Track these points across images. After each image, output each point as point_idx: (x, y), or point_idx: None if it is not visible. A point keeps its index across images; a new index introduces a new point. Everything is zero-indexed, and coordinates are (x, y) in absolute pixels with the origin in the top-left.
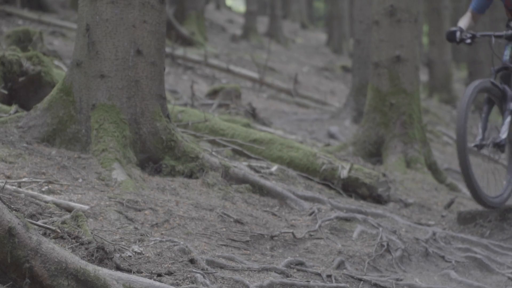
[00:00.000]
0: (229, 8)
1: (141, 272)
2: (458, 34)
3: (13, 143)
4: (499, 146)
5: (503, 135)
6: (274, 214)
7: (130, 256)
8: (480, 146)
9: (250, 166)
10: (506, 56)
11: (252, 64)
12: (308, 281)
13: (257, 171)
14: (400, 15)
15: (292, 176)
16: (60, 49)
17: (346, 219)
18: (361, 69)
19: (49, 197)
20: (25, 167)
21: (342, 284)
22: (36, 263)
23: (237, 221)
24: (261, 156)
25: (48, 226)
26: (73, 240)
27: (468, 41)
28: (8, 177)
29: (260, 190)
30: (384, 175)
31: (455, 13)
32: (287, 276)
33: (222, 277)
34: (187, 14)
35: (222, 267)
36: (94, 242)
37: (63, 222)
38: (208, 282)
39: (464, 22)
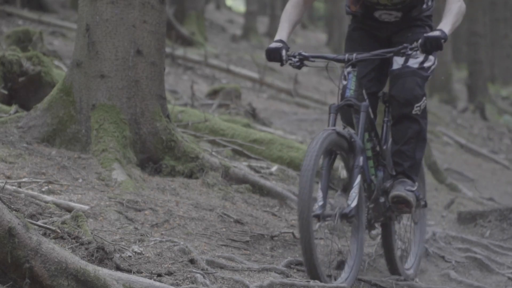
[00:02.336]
0: (229, 8)
1: (141, 272)
2: (283, 53)
3: (13, 143)
4: (347, 217)
5: (353, 203)
6: (274, 214)
7: (130, 256)
8: (321, 217)
9: (250, 166)
10: (349, 89)
11: (252, 64)
12: (308, 281)
13: (257, 171)
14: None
15: (292, 176)
16: (60, 49)
17: None
18: None
19: (49, 197)
20: (25, 167)
21: (342, 284)
22: (36, 263)
23: (237, 221)
24: (261, 156)
25: (48, 226)
26: (73, 240)
27: (297, 63)
28: (8, 177)
29: (260, 190)
30: None
31: None
32: (287, 276)
33: (222, 277)
34: (187, 14)
35: (222, 267)
36: (94, 242)
37: (63, 222)
38: (208, 282)
39: (285, 28)
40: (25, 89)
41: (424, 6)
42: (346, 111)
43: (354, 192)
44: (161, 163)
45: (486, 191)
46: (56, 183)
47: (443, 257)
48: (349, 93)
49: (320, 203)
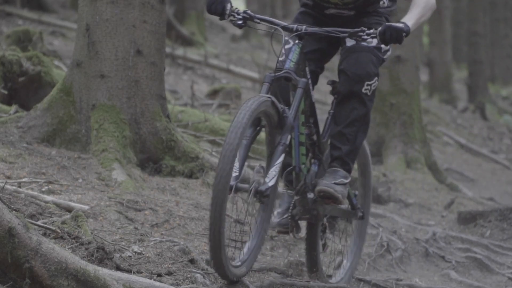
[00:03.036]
0: None
1: (141, 272)
2: (228, 6)
3: (13, 143)
4: (261, 195)
5: (271, 181)
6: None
7: (130, 256)
8: (234, 189)
9: (250, 166)
10: (290, 61)
11: (252, 64)
12: (308, 281)
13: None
14: (400, 15)
15: None
16: (60, 49)
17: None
18: None
19: (49, 197)
20: (25, 167)
21: (342, 284)
22: (36, 263)
23: (237, 221)
24: (261, 156)
25: (48, 226)
26: (73, 240)
27: (239, 22)
28: (8, 177)
29: None
30: (384, 175)
31: (455, 13)
32: (287, 276)
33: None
34: (187, 14)
35: None
36: (94, 242)
37: (63, 222)
38: (208, 282)
39: None
40: (25, 89)
41: (381, 3)
42: (282, 85)
43: (275, 171)
44: (161, 163)
45: (486, 191)
46: (56, 183)
47: (443, 257)
48: (289, 64)
49: (235, 174)
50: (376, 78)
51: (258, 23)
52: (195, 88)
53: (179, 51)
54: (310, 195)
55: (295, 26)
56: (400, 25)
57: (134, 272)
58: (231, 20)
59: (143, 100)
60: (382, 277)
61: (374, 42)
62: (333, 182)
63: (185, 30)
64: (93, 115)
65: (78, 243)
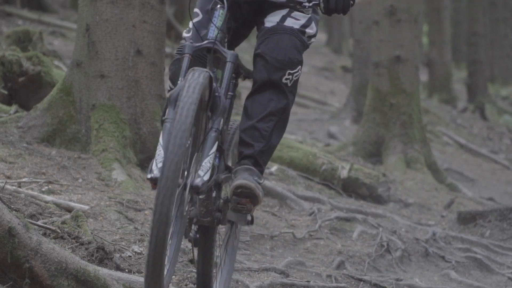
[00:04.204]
0: None
1: (141, 272)
2: None
3: (13, 143)
4: (197, 191)
5: (206, 175)
6: (274, 214)
7: (130, 256)
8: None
9: None
10: (215, 28)
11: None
12: (308, 281)
13: None
14: (400, 15)
15: (292, 176)
16: (60, 49)
17: (346, 219)
18: (361, 69)
19: (49, 197)
20: (25, 167)
21: (342, 284)
22: (36, 263)
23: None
24: None
25: (48, 226)
26: (73, 240)
27: None
28: (8, 177)
29: None
30: (384, 175)
31: (455, 13)
32: (287, 276)
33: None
34: (187, 14)
35: None
36: (94, 242)
37: (63, 222)
38: None
39: None
40: (25, 89)
41: None
42: (202, 58)
43: (209, 162)
44: None
45: (486, 191)
46: (56, 183)
47: (443, 257)
48: (214, 33)
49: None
50: (299, 67)
51: None
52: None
53: None
54: (213, 193)
55: None
56: None
57: (134, 272)
58: None
59: (143, 100)
60: (382, 277)
61: (300, 22)
62: (253, 178)
63: None
64: (93, 115)
65: (78, 243)
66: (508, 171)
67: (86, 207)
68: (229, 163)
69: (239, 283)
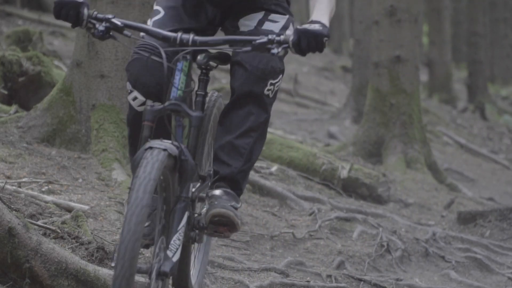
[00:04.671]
0: None
1: (141, 272)
2: (84, 11)
3: (13, 143)
4: (165, 276)
5: (175, 255)
6: (274, 214)
7: None
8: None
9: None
10: (178, 88)
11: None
12: (308, 281)
13: (257, 171)
14: (400, 15)
15: (292, 176)
16: (60, 49)
17: (346, 219)
18: (361, 69)
19: (49, 197)
20: (25, 167)
21: (342, 284)
22: (36, 263)
23: None
24: (261, 156)
25: (48, 226)
26: (73, 240)
27: (101, 33)
28: (8, 177)
29: (260, 190)
30: (384, 175)
31: (455, 13)
32: (287, 276)
33: (222, 277)
34: None
35: (222, 267)
36: (94, 242)
37: (63, 222)
38: (208, 282)
39: None
40: (25, 89)
41: None
42: (163, 121)
43: (178, 238)
44: None
45: (486, 191)
46: (56, 183)
47: (443, 257)
48: (177, 93)
49: (147, 237)
50: (281, 76)
51: (128, 36)
52: (195, 88)
53: None
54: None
55: (178, 36)
56: (317, 27)
57: None
58: (88, 29)
59: None
60: (382, 277)
61: (280, 25)
62: (230, 204)
63: None
64: (93, 115)
65: (78, 243)
66: (508, 171)
67: (86, 207)
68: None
69: (239, 283)
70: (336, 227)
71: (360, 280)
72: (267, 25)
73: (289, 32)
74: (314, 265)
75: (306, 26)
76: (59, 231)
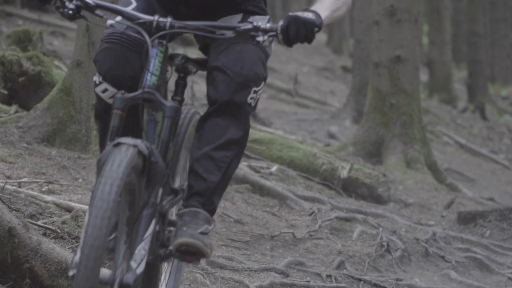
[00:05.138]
0: None
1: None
2: None
3: (13, 143)
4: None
5: (139, 267)
6: (274, 214)
7: None
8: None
9: (250, 166)
10: (152, 74)
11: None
12: (308, 281)
13: (257, 171)
14: (400, 15)
15: (292, 176)
16: (60, 49)
17: (346, 219)
18: (361, 69)
19: (49, 197)
20: (25, 167)
21: (342, 284)
22: (36, 263)
23: (237, 221)
24: (261, 156)
25: (48, 226)
26: (73, 240)
27: (70, 12)
28: (8, 177)
29: (260, 190)
30: (384, 175)
31: (455, 13)
32: (287, 276)
33: (222, 277)
34: None
35: (222, 267)
36: None
37: (63, 222)
38: (208, 282)
39: None
40: (25, 89)
41: None
42: (135, 110)
43: (143, 248)
44: None
45: (486, 191)
46: (56, 183)
47: (443, 257)
48: (151, 80)
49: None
50: (263, 83)
51: (100, 16)
52: (195, 88)
53: (179, 50)
54: (157, 227)
55: (155, 19)
56: (310, 15)
57: None
58: (57, 8)
59: None
60: (382, 277)
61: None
62: (198, 231)
63: None
64: (93, 115)
65: (78, 243)
66: (508, 171)
67: (86, 207)
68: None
69: (239, 283)
70: (336, 227)
71: (360, 280)
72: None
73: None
74: (314, 265)
75: (298, 13)
76: (59, 231)
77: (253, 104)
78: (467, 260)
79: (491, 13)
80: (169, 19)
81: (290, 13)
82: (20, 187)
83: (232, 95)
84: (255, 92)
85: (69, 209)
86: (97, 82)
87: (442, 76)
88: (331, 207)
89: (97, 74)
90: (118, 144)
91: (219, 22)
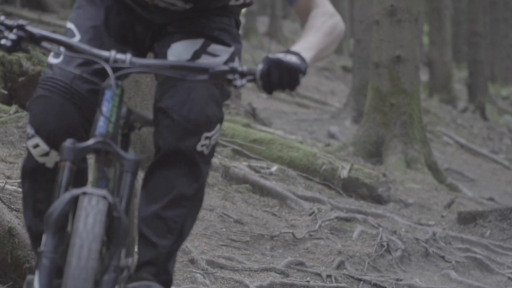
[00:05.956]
0: None
1: None
2: None
3: (13, 143)
4: None
5: None
6: (274, 214)
7: None
8: None
9: (250, 166)
10: (108, 121)
11: (252, 64)
12: (308, 281)
13: (257, 171)
14: (400, 15)
15: (292, 176)
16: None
17: (346, 219)
18: (361, 69)
19: None
20: None
21: (342, 284)
22: None
23: (237, 221)
24: (261, 156)
25: None
26: None
27: (9, 44)
28: (8, 177)
29: (260, 190)
30: (384, 175)
31: (455, 13)
32: (287, 276)
33: (222, 277)
34: None
35: (222, 267)
36: None
37: None
38: (208, 282)
39: None
40: (25, 89)
41: None
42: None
43: None
44: None
45: (486, 191)
46: None
47: (443, 257)
48: (106, 127)
49: None
50: (219, 126)
51: (47, 49)
52: None
53: None
54: None
55: (111, 55)
56: (293, 59)
57: None
58: None
59: (143, 100)
60: (382, 277)
61: (222, 59)
62: None
63: None
64: None
65: None
66: (508, 171)
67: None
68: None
69: (239, 283)
70: (336, 227)
71: (360, 280)
72: (204, 59)
73: None
74: (314, 265)
75: (280, 56)
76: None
77: (206, 152)
78: (467, 260)
79: (491, 13)
80: (128, 56)
81: (270, 55)
82: (20, 187)
83: (178, 142)
84: (208, 138)
85: None
86: (30, 135)
87: (442, 76)
88: (331, 207)
89: (29, 125)
90: (84, 193)
91: (187, 62)
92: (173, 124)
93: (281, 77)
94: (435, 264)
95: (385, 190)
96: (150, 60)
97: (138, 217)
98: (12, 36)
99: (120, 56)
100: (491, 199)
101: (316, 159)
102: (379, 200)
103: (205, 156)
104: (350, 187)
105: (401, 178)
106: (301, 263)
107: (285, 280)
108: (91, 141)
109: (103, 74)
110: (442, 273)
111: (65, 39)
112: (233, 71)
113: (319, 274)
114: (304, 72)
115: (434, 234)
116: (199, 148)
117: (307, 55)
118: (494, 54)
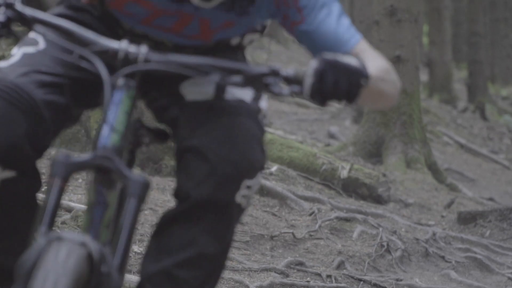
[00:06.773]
0: None
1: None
2: None
3: None
4: None
5: None
6: (274, 214)
7: (130, 256)
8: None
9: None
10: (114, 130)
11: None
12: (308, 281)
13: None
14: (400, 15)
15: (292, 176)
16: None
17: (346, 219)
18: None
19: None
20: None
21: (342, 284)
22: None
23: None
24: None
25: None
26: None
27: None
28: None
29: (260, 190)
30: (384, 175)
31: (455, 13)
32: (287, 276)
33: (222, 277)
34: None
35: None
36: None
37: (63, 222)
38: None
39: None
40: None
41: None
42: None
43: None
44: (161, 163)
45: (486, 191)
46: None
47: (443, 257)
48: (111, 140)
49: None
50: (260, 174)
51: (41, 33)
52: None
53: None
54: None
55: (121, 47)
56: (353, 61)
57: (133, 272)
58: None
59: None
60: (382, 277)
61: (251, 92)
62: None
63: None
64: (93, 115)
65: None
66: (508, 171)
67: (86, 207)
68: None
69: (239, 283)
70: (336, 227)
71: (360, 280)
72: (231, 93)
73: (264, 103)
74: (314, 265)
75: (336, 56)
76: (58, 231)
77: (244, 205)
78: (467, 260)
79: (491, 13)
80: (143, 49)
81: (324, 56)
82: None
83: (215, 191)
84: (249, 187)
85: (69, 209)
86: None
87: (442, 76)
88: (331, 207)
89: None
90: (58, 239)
91: (216, 60)
92: (209, 166)
93: (338, 82)
94: (435, 264)
95: (385, 190)
96: (170, 56)
97: (141, 271)
98: (0, 17)
99: (133, 48)
100: (491, 199)
101: (316, 159)
102: (379, 200)
103: (242, 211)
104: (350, 187)
105: (401, 178)
106: (301, 263)
107: (285, 280)
108: (89, 156)
109: (109, 70)
110: (442, 273)
111: (65, 22)
112: (275, 73)
113: (319, 274)
114: (367, 77)
115: (434, 234)
116: (238, 199)
117: (370, 64)
118: (494, 54)
